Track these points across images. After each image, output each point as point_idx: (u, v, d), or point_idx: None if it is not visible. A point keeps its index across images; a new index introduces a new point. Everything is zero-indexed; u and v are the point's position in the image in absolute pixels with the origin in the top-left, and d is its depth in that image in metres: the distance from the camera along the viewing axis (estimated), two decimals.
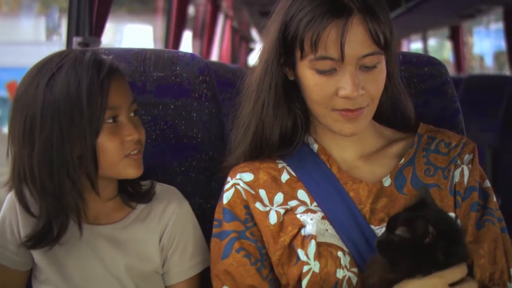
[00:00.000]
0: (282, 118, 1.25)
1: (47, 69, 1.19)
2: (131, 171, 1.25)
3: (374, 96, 1.19)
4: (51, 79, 1.18)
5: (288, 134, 1.27)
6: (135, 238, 1.29)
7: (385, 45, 1.16)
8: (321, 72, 1.16)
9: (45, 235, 1.22)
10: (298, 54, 1.18)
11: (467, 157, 1.26)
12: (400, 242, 1.07)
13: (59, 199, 1.19)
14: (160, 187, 1.33)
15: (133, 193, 1.30)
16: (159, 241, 1.30)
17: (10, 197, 1.32)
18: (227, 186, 1.28)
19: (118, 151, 1.22)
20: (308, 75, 1.18)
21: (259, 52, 1.26)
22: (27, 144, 1.18)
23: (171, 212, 1.31)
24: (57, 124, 1.16)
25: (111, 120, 1.21)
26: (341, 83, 1.16)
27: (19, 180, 1.21)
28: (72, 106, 1.16)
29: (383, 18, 1.15)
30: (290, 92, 1.25)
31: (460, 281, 1.08)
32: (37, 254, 1.29)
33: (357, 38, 1.13)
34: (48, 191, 1.19)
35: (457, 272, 1.08)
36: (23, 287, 1.34)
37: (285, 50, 1.20)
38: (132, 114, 1.25)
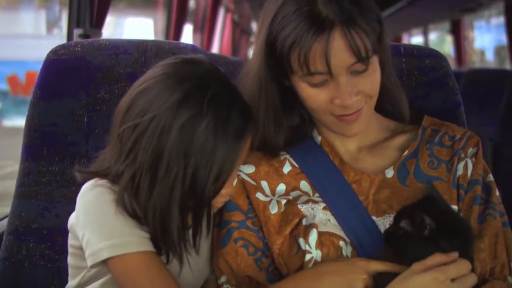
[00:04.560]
0: (284, 126, 1.24)
1: (196, 102, 1.08)
2: None
3: (371, 94, 1.19)
4: (194, 118, 1.08)
5: (294, 132, 1.26)
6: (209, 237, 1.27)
7: (373, 52, 1.14)
8: (313, 85, 1.16)
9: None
10: (288, 69, 1.17)
11: (471, 150, 1.26)
12: (404, 234, 1.09)
13: (163, 235, 1.12)
14: None
15: None
16: None
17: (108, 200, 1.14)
18: None
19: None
20: (302, 87, 1.18)
21: (250, 62, 1.24)
22: (149, 175, 1.09)
23: None
24: (182, 172, 1.08)
25: None
26: (335, 93, 1.15)
27: (131, 193, 1.11)
28: (200, 163, 1.08)
29: (366, 25, 1.13)
30: (289, 97, 1.23)
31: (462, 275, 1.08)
32: None
33: (341, 51, 1.12)
34: (155, 226, 1.11)
35: (461, 267, 1.07)
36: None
37: (275, 64, 1.18)
38: None
